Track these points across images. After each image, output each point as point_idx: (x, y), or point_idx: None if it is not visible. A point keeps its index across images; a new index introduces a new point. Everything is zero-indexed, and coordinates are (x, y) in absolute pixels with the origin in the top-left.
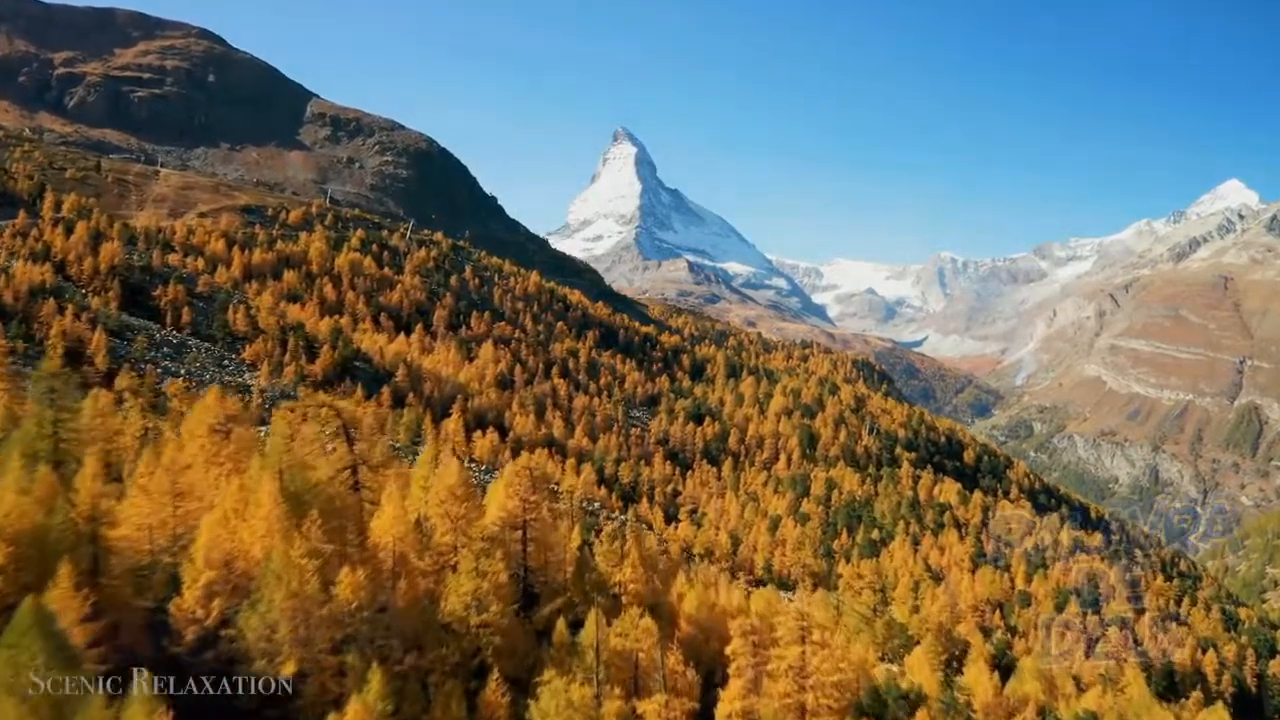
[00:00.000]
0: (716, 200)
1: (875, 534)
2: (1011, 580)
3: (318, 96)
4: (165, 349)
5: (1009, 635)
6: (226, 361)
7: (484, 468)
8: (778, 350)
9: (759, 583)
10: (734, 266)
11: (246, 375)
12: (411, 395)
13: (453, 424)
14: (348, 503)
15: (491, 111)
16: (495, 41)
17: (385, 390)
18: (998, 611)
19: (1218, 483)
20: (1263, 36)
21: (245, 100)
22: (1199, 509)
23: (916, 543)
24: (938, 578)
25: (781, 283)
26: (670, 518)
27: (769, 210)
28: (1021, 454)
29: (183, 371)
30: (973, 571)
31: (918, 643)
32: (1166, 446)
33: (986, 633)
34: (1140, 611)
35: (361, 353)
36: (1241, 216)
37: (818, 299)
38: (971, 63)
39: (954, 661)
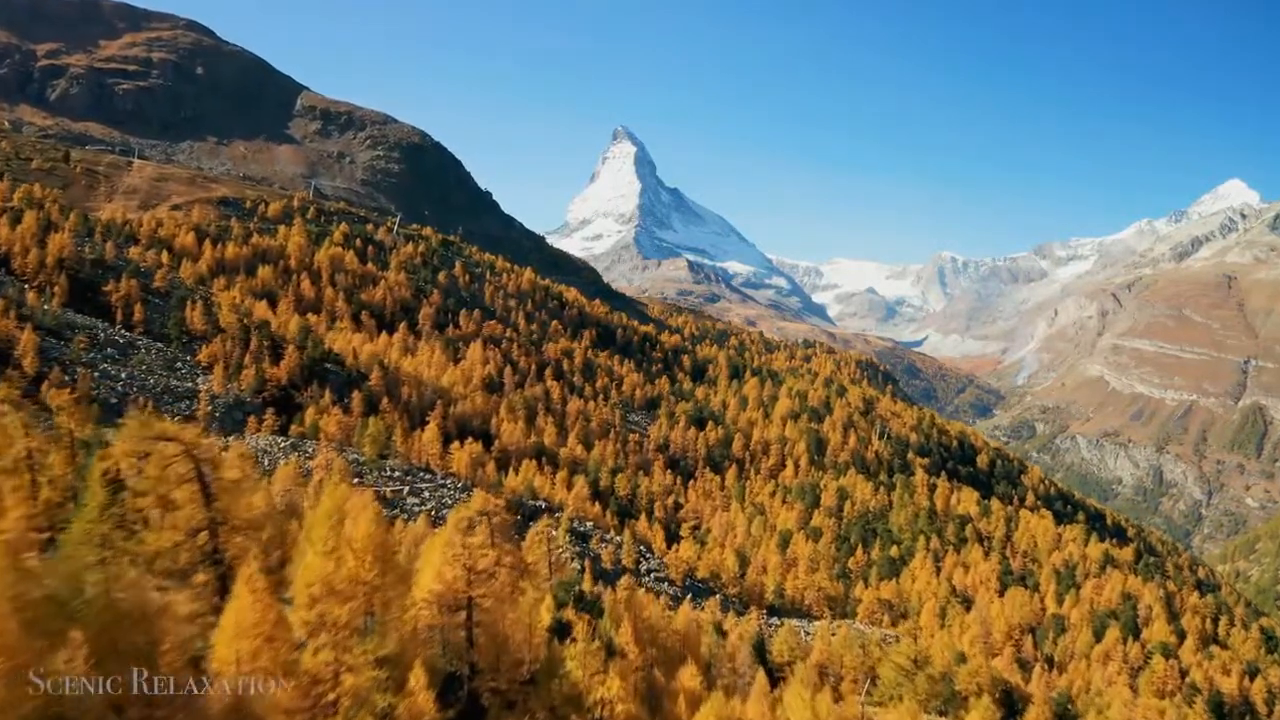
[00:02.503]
0: (716, 200)
1: (894, 550)
2: (1042, 601)
3: (308, 89)
4: (110, 350)
5: (1045, 667)
6: (179, 364)
7: (461, 484)
8: (780, 350)
9: (772, 611)
10: (734, 266)
11: (200, 380)
12: (386, 400)
13: (429, 433)
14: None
15: (489, 110)
16: (494, 39)
17: (357, 395)
18: (1030, 637)
19: (1222, 484)
20: (1263, 37)
21: (233, 93)
22: (1203, 510)
23: (938, 560)
24: (965, 600)
25: (781, 282)
26: (672, 536)
27: (769, 210)
28: (1024, 455)
29: (124, 375)
30: (1001, 593)
31: (964, 697)
32: (1170, 447)
33: (1024, 665)
34: (1181, 636)
35: (333, 354)
36: (1244, 216)
37: (818, 299)
38: (972, 63)
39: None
